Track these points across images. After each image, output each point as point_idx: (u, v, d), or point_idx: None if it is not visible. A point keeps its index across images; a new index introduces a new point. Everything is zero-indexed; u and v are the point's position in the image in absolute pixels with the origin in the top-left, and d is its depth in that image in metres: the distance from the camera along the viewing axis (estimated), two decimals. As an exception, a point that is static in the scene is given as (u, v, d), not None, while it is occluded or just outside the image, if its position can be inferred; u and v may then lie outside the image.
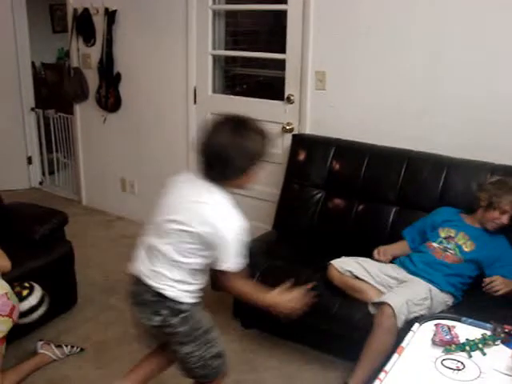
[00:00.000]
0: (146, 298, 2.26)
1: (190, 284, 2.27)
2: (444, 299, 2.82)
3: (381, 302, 2.69)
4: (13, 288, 2.80)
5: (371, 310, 2.77)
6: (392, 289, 2.85)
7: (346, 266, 2.96)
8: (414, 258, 2.99)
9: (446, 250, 2.93)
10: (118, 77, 4.82)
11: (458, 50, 3.31)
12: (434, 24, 3.35)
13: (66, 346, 3.09)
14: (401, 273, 2.96)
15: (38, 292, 2.94)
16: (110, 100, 4.90)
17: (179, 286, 2.22)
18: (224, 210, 2.16)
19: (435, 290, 2.81)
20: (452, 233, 2.98)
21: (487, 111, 3.30)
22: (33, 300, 2.89)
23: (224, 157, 2.09)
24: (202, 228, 2.11)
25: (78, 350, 3.12)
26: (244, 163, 2.14)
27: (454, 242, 2.94)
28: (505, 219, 2.86)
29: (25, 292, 2.90)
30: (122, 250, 4.48)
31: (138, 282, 2.30)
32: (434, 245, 2.98)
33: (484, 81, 3.28)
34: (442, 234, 2.99)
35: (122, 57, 4.78)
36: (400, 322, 2.59)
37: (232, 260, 2.14)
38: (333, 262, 2.99)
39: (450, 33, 3.31)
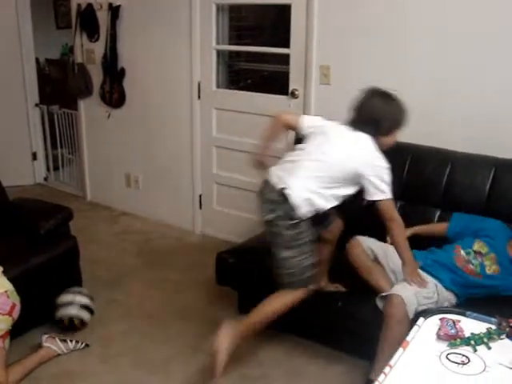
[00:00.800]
0: (271, 196, 2.67)
1: (315, 202, 2.63)
2: (448, 297, 2.80)
3: (389, 293, 2.66)
4: None
5: (378, 303, 2.74)
6: (399, 281, 2.83)
7: (369, 243, 2.93)
8: (430, 255, 2.94)
9: (469, 262, 2.85)
10: (122, 72, 4.82)
11: (463, 46, 3.30)
12: (441, 19, 3.33)
13: (71, 341, 3.09)
14: None
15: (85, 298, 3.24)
16: (114, 95, 4.90)
17: (305, 195, 2.60)
18: (372, 151, 2.64)
19: (440, 286, 2.79)
20: (484, 250, 2.87)
21: (492, 106, 3.28)
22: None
23: (376, 117, 2.66)
24: (353, 165, 2.61)
25: (83, 345, 3.12)
26: (389, 126, 2.69)
27: (480, 259, 2.84)
28: None
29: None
30: (127, 245, 4.51)
31: (268, 183, 2.72)
32: (462, 252, 2.89)
33: (489, 76, 3.27)
34: (475, 247, 2.89)
35: (126, 52, 4.78)
36: (411, 313, 2.57)
37: (379, 192, 2.60)
38: (358, 236, 2.96)
39: (457, 27, 3.29)
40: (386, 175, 2.62)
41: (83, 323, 3.25)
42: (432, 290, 2.74)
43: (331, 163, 2.64)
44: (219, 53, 4.42)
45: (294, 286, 2.72)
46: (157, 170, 4.90)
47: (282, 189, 2.61)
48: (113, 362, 3.04)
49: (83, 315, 3.22)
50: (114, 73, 4.83)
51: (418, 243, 2.95)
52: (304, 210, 2.60)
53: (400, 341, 2.51)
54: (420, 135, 3.38)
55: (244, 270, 3.24)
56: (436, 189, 3.23)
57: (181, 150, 4.68)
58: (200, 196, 4.71)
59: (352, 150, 2.67)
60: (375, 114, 2.68)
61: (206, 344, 3.18)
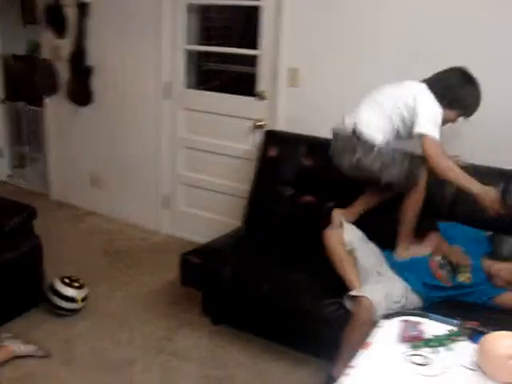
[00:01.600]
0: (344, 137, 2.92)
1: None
2: (415, 301, 2.80)
3: (359, 295, 2.66)
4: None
5: (347, 303, 2.74)
6: (370, 281, 2.84)
7: (351, 236, 2.92)
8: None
9: (442, 267, 2.86)
10: (90, 70, 4.76)
11: (434, 49, 3.31)
12: (411, 22, 3.36)
13: (33, 345, 3.02)
14: (383, 267, 2.95)
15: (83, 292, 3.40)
16: (81, 94, 4.83)
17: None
18: (427, 94, 2.78)
19: (409, 289, 2.80)
20: None
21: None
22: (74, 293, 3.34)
23: (445, 85, 2.79)
24: (407, 96, 2.79)
25: (42, 354, 3.02)
26: (453, 99, 2.78)
27: (454, 266, 2.85)
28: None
29: (76, 284, 3.37)
30: (91, 245, 4.46)
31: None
32: (437, 257, 2.91)
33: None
34: None
35: (94, 50, 4.72)
36: (378, 317, 2.58)
37: (428, 126, 2.69)
38: (345, 224, 2.96)
39: (428, 31, 3.32)
40: (431, 112, 2.73)
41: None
42: (401, 293, 2.75)
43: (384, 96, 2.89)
44: (188, 53, 4.40)
45: (412, 186, 2.84)
46: (123, 170, 4.86)
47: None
48: (75, 363, 2.99)
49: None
50: (81, 71, 4.77)
51: (393, 242, 3.00)
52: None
53: (360, 343, 2.54)
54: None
55: (208, 271, 3.23)
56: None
57: (147, 150, 4.65)
58: (166, 196, 4.68)
59: (403, 85, 2.89)
60: (446, 82, 2.80)
61: (169, 345, 3.18)
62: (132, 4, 4.41)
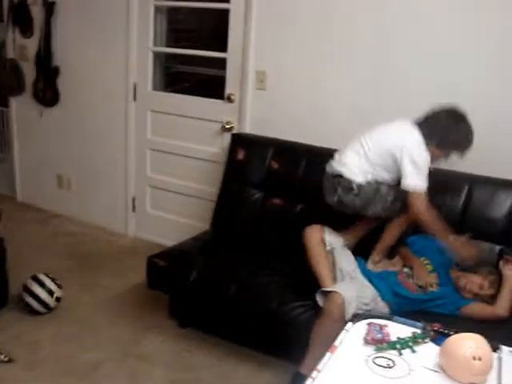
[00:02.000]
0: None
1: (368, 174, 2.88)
2: (383, 309, 2.81)
3: (332, 291, 2.67)
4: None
5: (318, 300, 2.74)
6: (343, 282, 2.86)
7: (331, 237, 2.94)
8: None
9: (410, 277, 2.90)
10: (57, 70, 4.71)
11: (401, 52, 3.37)
12: (377, 23, 3.40)
13: None
14: (357, 273, 2.97)
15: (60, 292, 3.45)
16: (48, 94, 4.78)
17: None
18: (415, 139, 2.78)
19: (378, 296, 2.83)
20: (429, 268, 2.94)
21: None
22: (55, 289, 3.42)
23: (435, 125, 2.79)
24: (394, 147, 2.79)
25: (7, 359, 2.97)
26: (443, 139, 2.79)
27: None
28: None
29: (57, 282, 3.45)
30: (58, 248, 4.41)
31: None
32: (405, 268, 2.95)
33: (428, 78, 3.33)
34: None
35: (61, 50, 4.67)
36: (348, 315, 2.58)
37: (414, 181, 2.74)
38: (325, 227, 2.98)
39: (394, 33, 3.37)
40: (418, 164, 2.74)
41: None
42: (371, 298, 2.77)
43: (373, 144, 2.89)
44: (156, 55, 4.38)
45: (396, 215, 2.93)
46: (90, 172, 4.82)
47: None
48: (39, 369, 2.94)
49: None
50: (47, 71, 4.71)
51: (367, 251, 3.04)
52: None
53: (331, 339, 2.57)
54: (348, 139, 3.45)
55: (175, 274, 3.21)
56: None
57: (115, 152, 4.62)
58: (133, 199, 4.65)
59: (391, 131, 2.90)
60: (437, 123, 2.80)
61: (136, 348, 3.16)
62: (99, 4, 4.38)
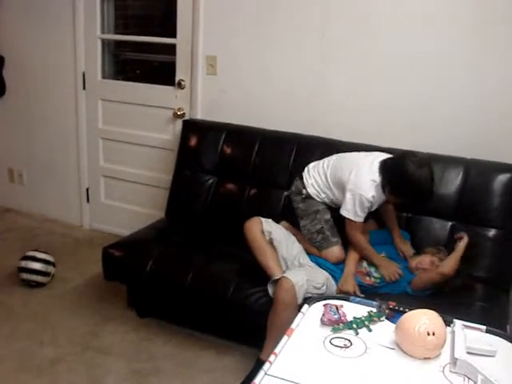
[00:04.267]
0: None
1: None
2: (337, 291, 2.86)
3: (281, 277, 2.69)
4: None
5: (269, 289, 2.77)
6: (292, 269, 2.89)
7: (269, 227, 2.94)
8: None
9: (369, 274, 2.93)
10: (2, 60, 4.59)
11: (347, 40, 3.39)
12: (324, 9, 3.40)
13: None
14: (306, 259, 3.00)
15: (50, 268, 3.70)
16: (-6, 85, 4.66)
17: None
18: (363, 176, 2.81)
19: (331, 280, 2.86)
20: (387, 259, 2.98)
21: (373, 96, 3.41)
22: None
23: (397, 177, 2.74)
24: (343, 181, 2.87)
25: None
26: (394, 190, 2.78)
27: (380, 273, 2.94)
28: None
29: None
30: (11, 243, 4.32)
31: None
32: (364, 264, 2.97)
33: (369, 67, 3.38)
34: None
35: (6, 39, 4.55)
36: (300, 298, 2.61)
37: (349, 211, 2.85)
38: (262, 218, 2.97)
39: (340, 19, 3.38)
40: (358, 201, 2.81)
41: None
42: (323, 281, 2.79)
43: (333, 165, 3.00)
44: (104, 42, 4.30)
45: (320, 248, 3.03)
46: (42, 164, 4.72)
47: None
48: (-5, 367, 2.90)
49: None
50: (-8, 61, 4.59)
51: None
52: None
53: (286, 325, 2.58)
54: (305, 124, 3.50)
55: (131, 264, 3.18)
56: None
57: (66, 143, 4.54)
58: (87, 189, 4.59)
59: (353, 162, 2.93)
60: (394, 172, 2.76)
61: (95, 341, 3.12)
62: (44, -9, 4.26)
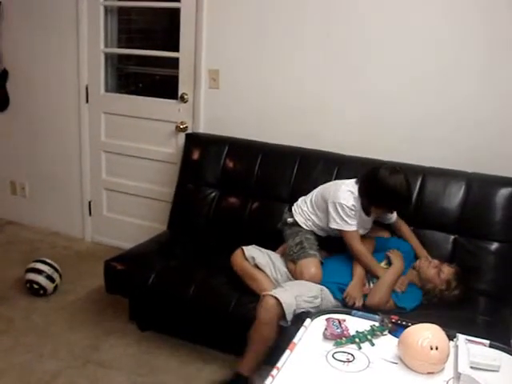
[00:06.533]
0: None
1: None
2: (334, 302, 2.83)
3: (264, 294, 2.67)
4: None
5: None
6: (283, 283, 2.88)
7: (251, 252, 2.99)
8: (334, 263, 3.00)
9: (368, 282, 2.91)
10: (5, 74, 4.61)
11: (349, 55, 3.41)
12: (327, 23, 3.42)
13: None
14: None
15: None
16: (-3, 98, 4.68)
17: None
18: (341, 187, 2.90)
19: (326, 292, 2.83)
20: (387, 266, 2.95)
21: (374, 109, 3.42)
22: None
23: (371, 185, 2.82)
24: (326, 198, 2.93)
25: None
26: (379, 200, 2.86)
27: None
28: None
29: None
30: (12, 255, 4.31)
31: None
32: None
33: (368, 81, 3.40)
34: (382, 264, 2.96)
35: (9, 53, 4.56)
36: (288, 315, 2.59)
37: (336, 221, 2.89)
38: (243, 247, 3.02)
39: (346, 34, 3.39)
40: (341, 210, 2.85)
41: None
42: (314, 294, 2.76)
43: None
44: (107, 56, 4.32)
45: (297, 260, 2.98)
46: (44, 177, 4.73)
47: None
48: (-4, 380, 2.89)
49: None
50: (-4, 74, 4.61)
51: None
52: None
53: (262, 342, 2.63)
54: (307, 138, 3.49)
55: (133, 277, 3.17)
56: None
57: (69, 156, 4.54)
58: (89, 202, 4.59)
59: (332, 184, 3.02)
60: (371, 185, 2.83)
61: (96, 354, 3.11)
62: (48, 5, 4.28)
